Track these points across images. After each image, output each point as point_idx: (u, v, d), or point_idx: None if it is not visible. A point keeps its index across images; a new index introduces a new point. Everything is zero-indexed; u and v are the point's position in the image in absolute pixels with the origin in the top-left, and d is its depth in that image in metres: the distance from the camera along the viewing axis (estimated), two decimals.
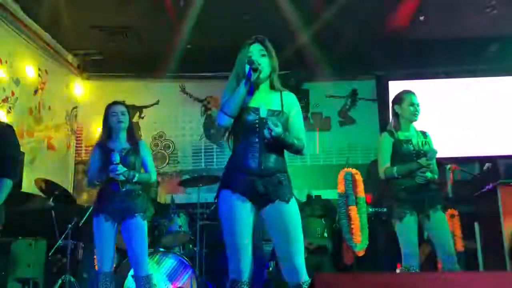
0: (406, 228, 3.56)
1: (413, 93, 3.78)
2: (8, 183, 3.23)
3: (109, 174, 3.57)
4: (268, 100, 2.64)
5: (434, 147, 3.72)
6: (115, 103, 3.84)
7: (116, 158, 3.57)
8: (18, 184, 5.20)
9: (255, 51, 2.62)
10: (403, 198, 3.59)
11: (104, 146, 3.73)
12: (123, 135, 3.79)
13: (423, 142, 3.67)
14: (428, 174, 3.56)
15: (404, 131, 3.72)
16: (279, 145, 2.57)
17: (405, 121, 3.73)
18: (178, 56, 6.24)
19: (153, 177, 3.84)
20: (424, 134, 3.78)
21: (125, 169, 3.60)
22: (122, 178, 3.60)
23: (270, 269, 4.97)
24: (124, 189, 3.64)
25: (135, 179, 3.66)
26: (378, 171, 3.73)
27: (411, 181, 3.58)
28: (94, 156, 3.76)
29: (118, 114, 3.74)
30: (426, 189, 3.58)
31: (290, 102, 2.69)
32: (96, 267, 3.67)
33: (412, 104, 3.70)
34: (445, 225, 3.59)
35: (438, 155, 3.59)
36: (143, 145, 3.86)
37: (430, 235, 3.65)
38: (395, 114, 3.78)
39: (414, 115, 3.70)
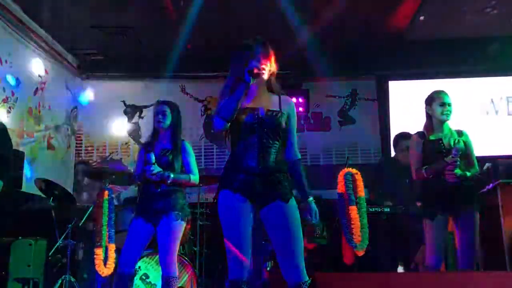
0: (434, 228, 3.54)
1: (443, 93, 3.74)
2: None
3: (145, 174, 3.54)
4: (266, 101, 2.65)
5: (470, 146, 3.69)
6: (158, 102, 3.81)
7: (152, 158, 3.52)
8: (18, 184, 5.21)
9: (256, 53, 2.61)
10: (434, 198, 3.58)
11: (148, 146, 3.73)
12: (165, 135, 3.75)
13: (456, 141, 3.64)
14: (458, 171, 3.51)
15: (437, 132, 3.69)
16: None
17: (436, 121, 3.70)
18: (178, 56, 6.24)
19: (194, 178, 3.72)
20: (459, 132, 3.75)
21: (159, 169, 3.53)
22: (156, 178, 3.53)
23: (269, 269, 4.97)
24: (159, 190, 3.60)
25: (170, 180, 3.56)
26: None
27: (442, 180, 3.56)
28: (139, 155, 3.81)
29: (159, 114, 3.72)
30: (459, 188, 3.54)
31: (288, 104, 2.71)
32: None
33: (443, 104, 3.66)
34: (471, 226, 3.53)
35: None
36: (185, 145, 3.80)
37: (457, 235, 3.61)
38: (427, 115, 3.76)
39: (445, 115, 3.66)
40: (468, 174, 3.59)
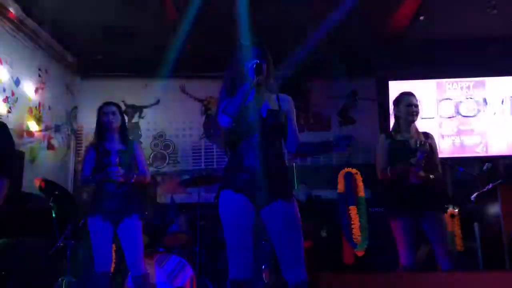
0: (401, 229, 3.57)
1: (411, 94, 3.78)
2: (6, 183, 3.20)
3: (108, 176, 3.56)
4: (266, 100, 2.66)
5: (435, 148, 3.71)
6: (106, 103, 3.82)
7: (115, 159, 3.59)
8: (18, 184, 5.20)
9: (253, 54, 2.62)
10: (398, 199, 3.59)
11: (99, 147, 3.72)
12: (116, 136, 3.78)
13: (422, 142, 3.66)
14: (422, 173, 3.54)
15: (404, 133, 3.72)
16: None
17: (404, 122, 3.74)
18: (178, 56, 6.23)
19: (147, 177, 3.85)
20: (426, 134, 3.78)
21: (123, 170, 3.60)
22: (121, 179, 3.60)
23: (269, 268, 4.97)
24: (120, 190, 3.64)
25: (133, 180, 3.66)
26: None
27: (406, 181, 3.58)
28: (88, 156, 3.74)
29: (109, 114, 3.73)
30: (423, 189, 3.57)
31: (288, 103, 2.72)
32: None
33: (409, 105, 3.71)
34: (441, 225, 3.57)
35: (441, 155, 3.58)
36: (136, 145, 3.87)
37: (428, 236, 3.65)
38: (395, 116, 3.80)
39: (412, 115, 3.70)
40: (432, 176, 3.61)
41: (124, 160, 3.69)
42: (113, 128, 3.75)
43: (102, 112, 3.76)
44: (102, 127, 3.76)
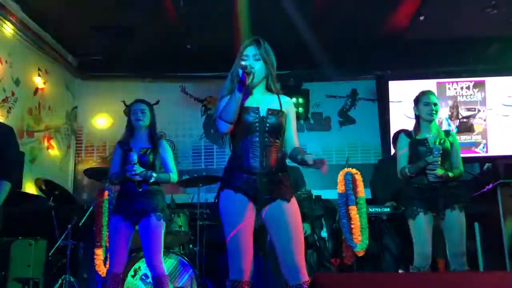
0: (418, 228, 3.56)
1: (430, 93, 3.80)
2: (7, 186, 3.21)
3: (125, 174, 3.54)
4: (266, 100, 2.66)
5: (456, 146, 3.72)
6: (136, 101, 3.81)
7: (134, 157, 3.53)
8: (18, 184, 5.20)
9: (250, 54, 2.62)
10: (417, 197, 3.60)
11: (125, 144, 3.71)
12: (144, 134, 3.75)
13: (441, 141, 3.66)
14: (439, 171, 3.53)
15: (424, 132, 3.74)
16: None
17: (423, 121, 3.75)
18: (178, 56, 6.23)
19: (174, 177, 3.76)
20: (447, 132, 3.79)
21: (142, 169, 3.55)
22: (139, 178, 3.56)
23: (269, 268, 4.96)
24: (140, 189, 3.60)
25: (152, 179, 3.59)
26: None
27: (423, 179, 3.59)
28: (115, 154, 3.75)
29: (138, 112, 3.72)
30: (442, 187, 3.57)
31: (288, 104, 2.72)
32: (107, 266, 3.65)
33: (427, 104, 3.71)
34: (458, 225, 3.55)
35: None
36: (163, 144, 3.80)
37: (444, 235, 3.64)
38: (415, 116, 3.82)
39: (430, 114, 3.71)
40: (451, 174, 3.61)
41: (147, 159, 3.64)
42: (141, 126, 3.73)
43: (131, 109, 3.76)
44: (131, 125, 3.74)
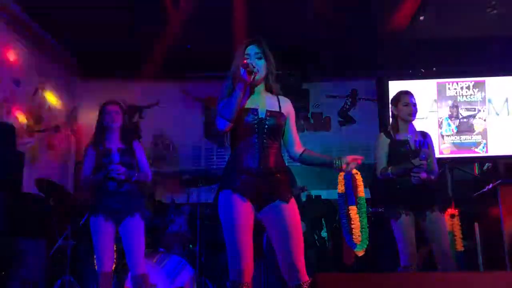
0: (401, 228, 3.57)
1: (409, 93, 3.79)
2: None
3: (108, 174, 3.56)
4: (265, 102, 2.66)
5: (432, 148, 3.72)
6: (108, 102, 3.81)
7: (117, 158, 3.58)
8: (18, 184, 5.20)
9: (251, 52, 2.63)
10: (399, 198, 3.60)
11: (99, 146, 3.71)
12: (117, 135, 3.77)
13: (421, 143, 3.67)
14: (424, 175, 3.55)
15: (402, 132, 3.73)
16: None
17: (402, 121, 3.74)
18: (178, 56, 6.23)
19: (149, 176, 3.83)
20: (423, 134, 3.78)
21: (125, 168, 3.60)
22: (122, 177, 3.59)
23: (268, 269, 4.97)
24: (122, 189, 3.64)
25: (134, 178, 3.66)
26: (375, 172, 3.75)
27: (407, 181, 3.59)
28: (88, 156, 3.73)
29: (112, 113, 3.72)
30: (422, 189, 3.58)
31: (288, 105, 2.73)
32: (96, 267, 3.66)
33: (407, 104, 3.71)
34: (440, 225, 3.58)
35: (441, 155, 3.59)
36: (137, 144, 3.85)
37: (427, 235, 3.65)
38: (393, 115, 3.81)
39: (410, 115, 3.71)
40: (433, 177, 3.63)
41: (125, 159, 3.68)
42: (115, 127, 3.74)
43: (104, 111, 3.75)
44: (104, 126, 3.74)
